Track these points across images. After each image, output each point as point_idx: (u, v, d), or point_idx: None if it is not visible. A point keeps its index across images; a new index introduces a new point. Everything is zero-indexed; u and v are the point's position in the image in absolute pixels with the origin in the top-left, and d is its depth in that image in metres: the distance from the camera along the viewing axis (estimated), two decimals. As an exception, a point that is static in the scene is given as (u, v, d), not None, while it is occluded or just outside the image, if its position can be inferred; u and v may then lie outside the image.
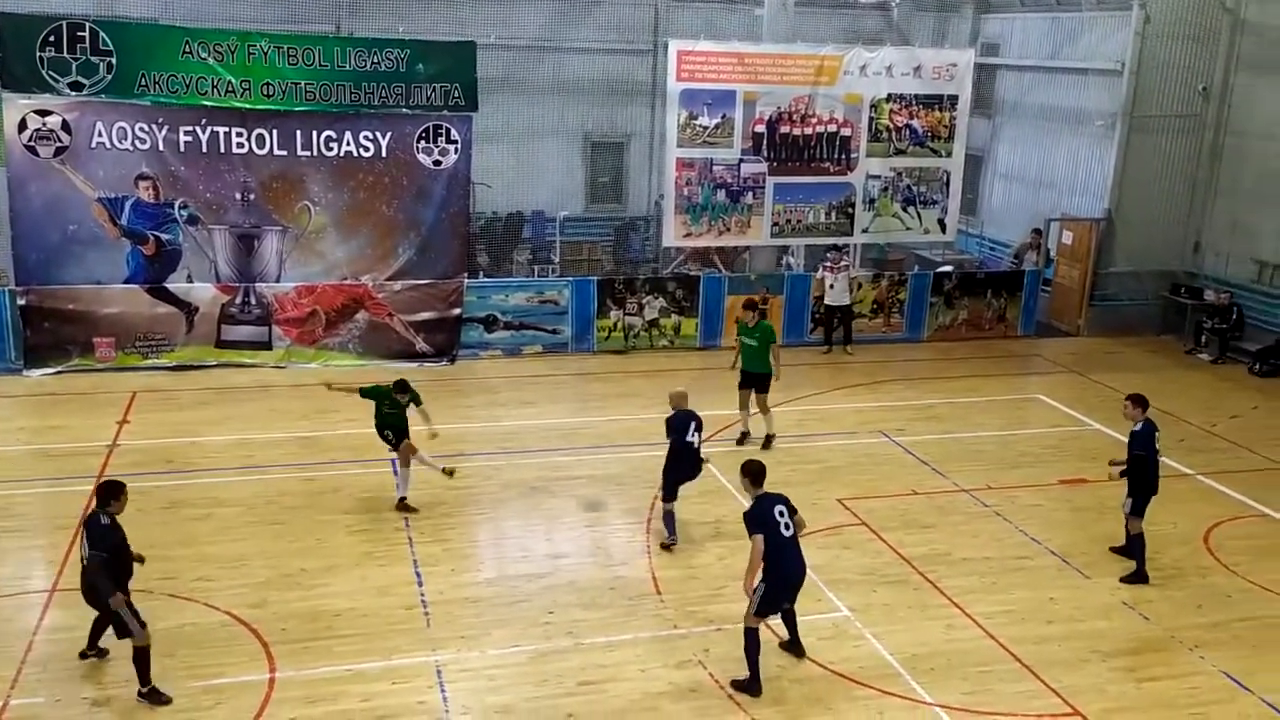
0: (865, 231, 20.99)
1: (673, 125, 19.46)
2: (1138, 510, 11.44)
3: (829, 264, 19.79)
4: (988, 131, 25.69)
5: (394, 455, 12.64)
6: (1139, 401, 11.58)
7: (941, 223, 21.49)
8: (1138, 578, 11.41)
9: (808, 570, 9.46)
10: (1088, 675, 9.71)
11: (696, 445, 11.99)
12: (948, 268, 21.99)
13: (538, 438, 15.05)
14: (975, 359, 19.59)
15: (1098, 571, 11.65)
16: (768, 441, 14.73)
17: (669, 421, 12.00)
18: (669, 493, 12.01)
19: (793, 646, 9.83)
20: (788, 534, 9.22)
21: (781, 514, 9.25)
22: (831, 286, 19.44)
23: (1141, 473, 11.34)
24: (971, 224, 25.61)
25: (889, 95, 20.35)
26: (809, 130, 20.09)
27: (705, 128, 19.48)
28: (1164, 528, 12.66)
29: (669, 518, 12.00)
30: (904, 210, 21.02)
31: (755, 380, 14.75)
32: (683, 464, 11.98)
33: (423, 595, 10.76)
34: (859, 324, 20.16)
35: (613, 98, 22.96)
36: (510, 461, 14.21)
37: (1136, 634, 10.44)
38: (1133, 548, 11.55)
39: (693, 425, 11.93)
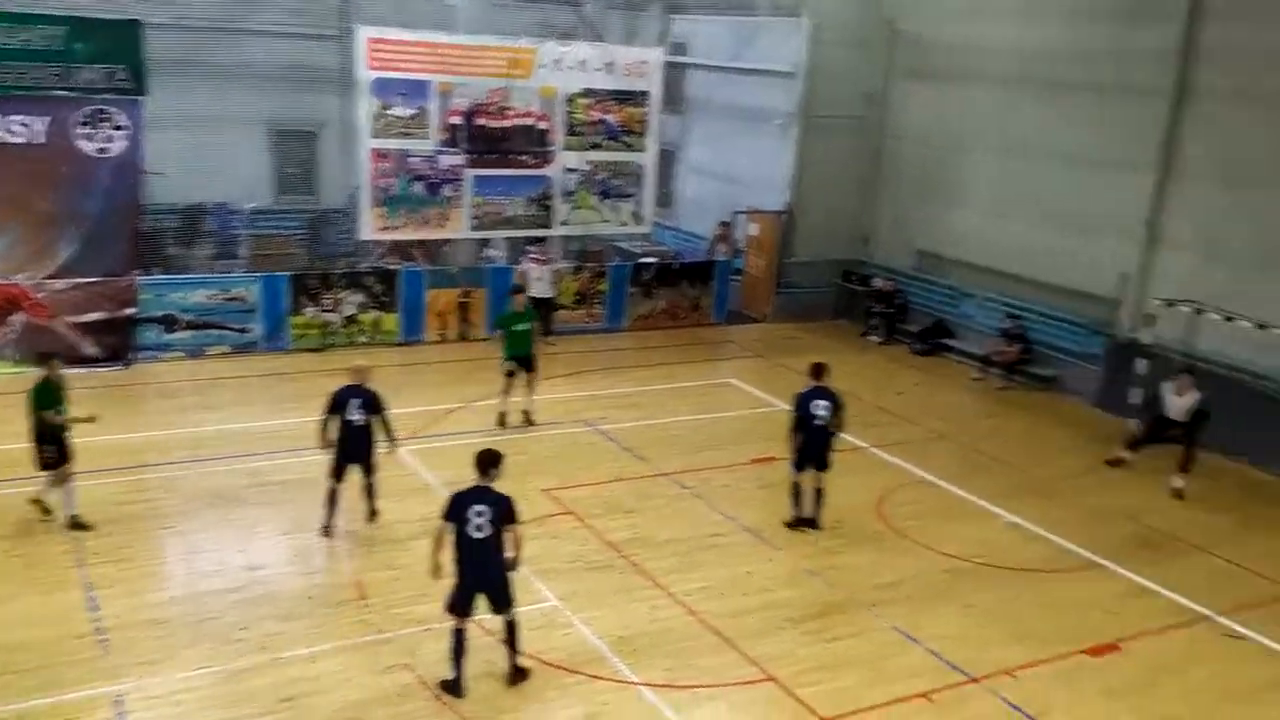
0: (564, 224, 21.26)
1: (365, 115, 18.89)
2: (793, 463, 12.64)
3: (535, 256, 19.86)
4: (679, 127, 26.69)
5: (52, 474, 11.49)
6: (811, 370, 12.80)
7: (638, 215, 22.13)
8: (798, 524, 12.65)
9: (523, 562, 9.38)
10: (780, 641, 10.30)
11: (359, 422, 11.62)
12: (650, 259, 22.67)
13: (227, 443, 14.19)
14: (672, 347, 20.34)
15: (787, 543, 12.39)
16: (528, 417, 15.51)
17: (332, 394, 11.68)
18: (331, 472, 11.71)
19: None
20: (477, 535, 8.95)
21: (480, 514, 8.97)
22: (539, 279, 19.54)
23: (794, 430, 12.48)
24: (667, 216, 26.54)
25: (584, 90, 20.70)
26: (506, 123, 20.08)
27: (400, 118, 19.05)
28: (843, 497, 13.62)
29: (329, 498, 11.69)
30: (601, 203, 21.48)
31: (526, 361, 15.40)
32: (342, 442, 11.66)
33: (98, 621, 9.87)
34: (561, 315, 20.41)
35: (300, 85, 21.94)
36: (196, 470, 13.31)
37: (822, 599, 11.19)
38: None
39: (355, 402, 11.58)
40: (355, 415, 11.63)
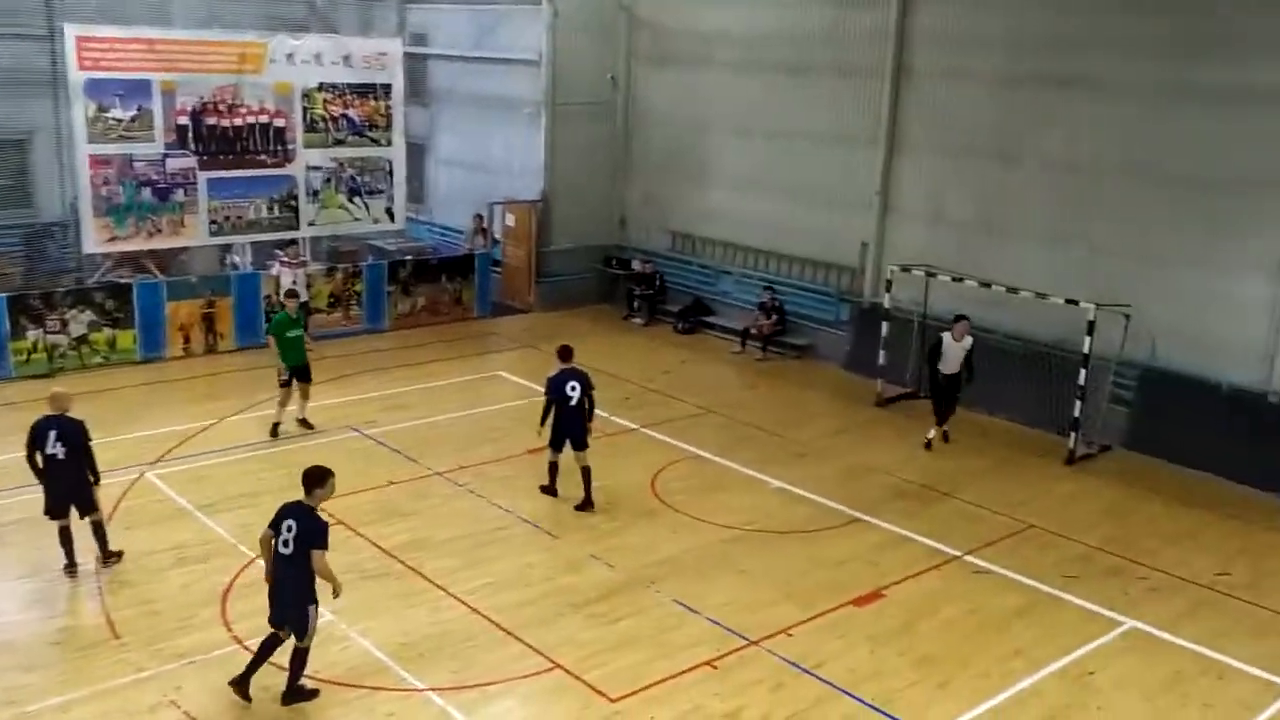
0: (312, 225, 20.48)
1: (80, 119, 17.51)
2: (550, 443, 12.97)
3: (286, 259, 18.94)
4: (426, 120, 26.21)
5: None
6: (559, 352, 13.10)
7: (390, 211, 21.60)
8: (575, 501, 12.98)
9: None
10: (565, 628, 10.32)
11: (60, 457, 10.64)
12: (408, 255, 22.14)
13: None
14: (438, 343, 19.98)
15: (565, 530, 12.42)
16: (305, 424, 15.09)
17: (32, 426, 10.74)
18: (46, 511, 10.84)
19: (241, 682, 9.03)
20: (283, 551, 8.77)
21: (289, 529, 8.77)
22: (294, 283, 18.66)
23: (547, 411, 12.83)
24: (421, 211, 26.04)
25: (321, 84, 19.97)
26: (239, 121, 19.12)
27: (120, 120, 17.78)
28: (616, 479, 13.85)
29: (61, 536, 10.83)
30: (350, 201, 20.81)
31: (301, 372, 14.82)
32: (49, 479, 10.74)
33: None
34: (319, 319, 19.64)
35: (6, 89, 20.09)
36: (-90, 519, 11.99)
37: (603, 581, 11.28)
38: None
39: (53, 434, 10.61)
40: (54, 449, 10.62)
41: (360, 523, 12.31)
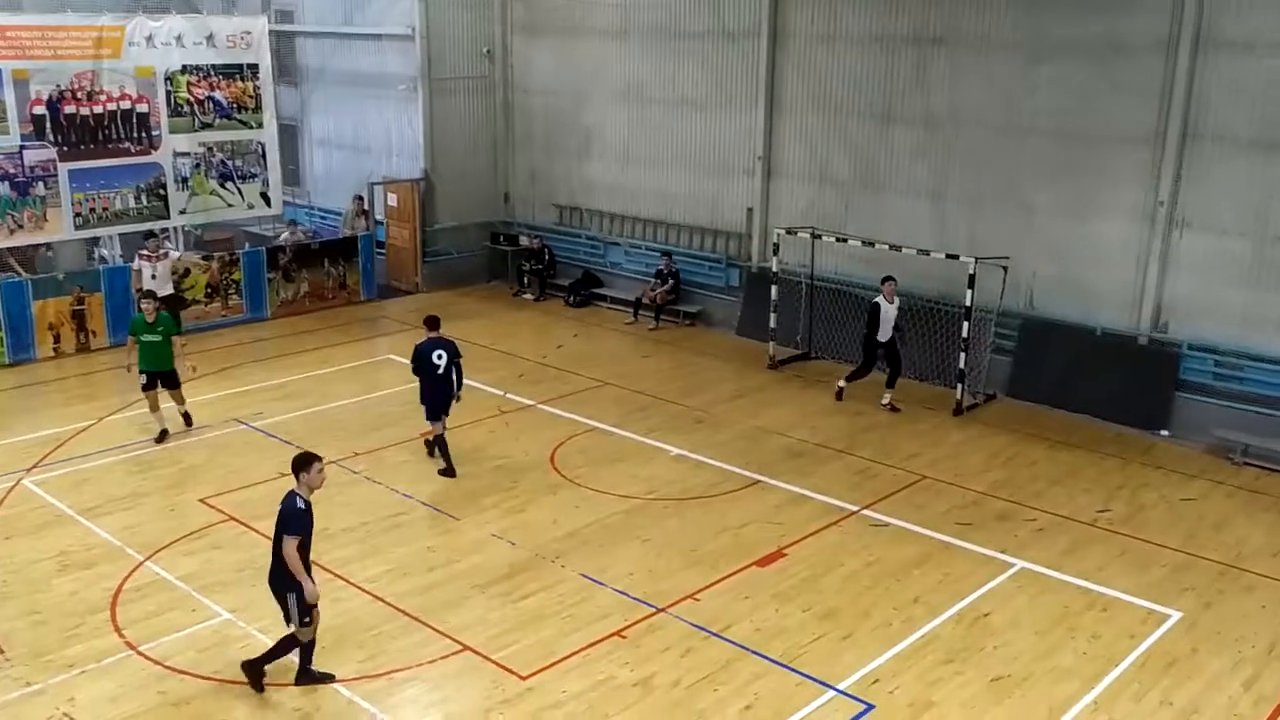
0: (184, 213, 19.77)
1: (-76, 112, 16.55)
2: (427, 416, 13.31)
3: (146, 253, 18.13)
4: (297, 100, 25.47)
5: None
6: (426, 322, 13.55)
7: (265, 196, 20.97)
8: (447, 472, 13.18)
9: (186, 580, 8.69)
10: (471, 610, 10.23)
11: None
12: (284, 237, 21.52)
13: None
14: (324, 329, 19.52)
15: (466, 511, 12.30)
16: (187, 419, 14.56)
17: None
18: None
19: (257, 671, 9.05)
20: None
21: (278, 514, 8.77)
22: (153, 277, 17.83)
23: (417, 373, 13.29)
24: (298, 194, 25.35)
25: (184, 67, 19.25)
26: (99, 109, 18.30)
27: (-31, 112, 16.84)
28: (516, 456, 13.77)
29: None
30: (223, 187, 20.14)
31: (164, 377, 14.15)
32: None
33: None
34: (195, 311, 18.99)
35: None
36: None
37: (507, 560, 11.21)
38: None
39: None
40: None
41: (253, 518, 11.96)
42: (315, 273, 20.73)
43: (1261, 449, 13.79)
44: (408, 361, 17.71)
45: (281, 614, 8.81)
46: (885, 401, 15.67)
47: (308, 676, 9.00)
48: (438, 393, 13.12)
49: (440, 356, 13.05)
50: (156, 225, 19.18)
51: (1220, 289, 14.52)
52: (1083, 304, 15.70)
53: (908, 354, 16.85)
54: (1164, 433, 14.84)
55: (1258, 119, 13.88)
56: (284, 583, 8.65)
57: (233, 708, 8.73)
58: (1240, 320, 14.40)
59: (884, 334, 15.52)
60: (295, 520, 8.57)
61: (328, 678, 9.04)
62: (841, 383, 16.04)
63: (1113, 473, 13.66)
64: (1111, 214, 15.29)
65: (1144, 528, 12.13)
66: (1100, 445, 14.51)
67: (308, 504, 8.72)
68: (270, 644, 9.05)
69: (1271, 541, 11.84)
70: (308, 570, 8.64)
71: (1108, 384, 15.27)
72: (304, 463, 8.78)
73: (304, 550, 8.66)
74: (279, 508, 8.66)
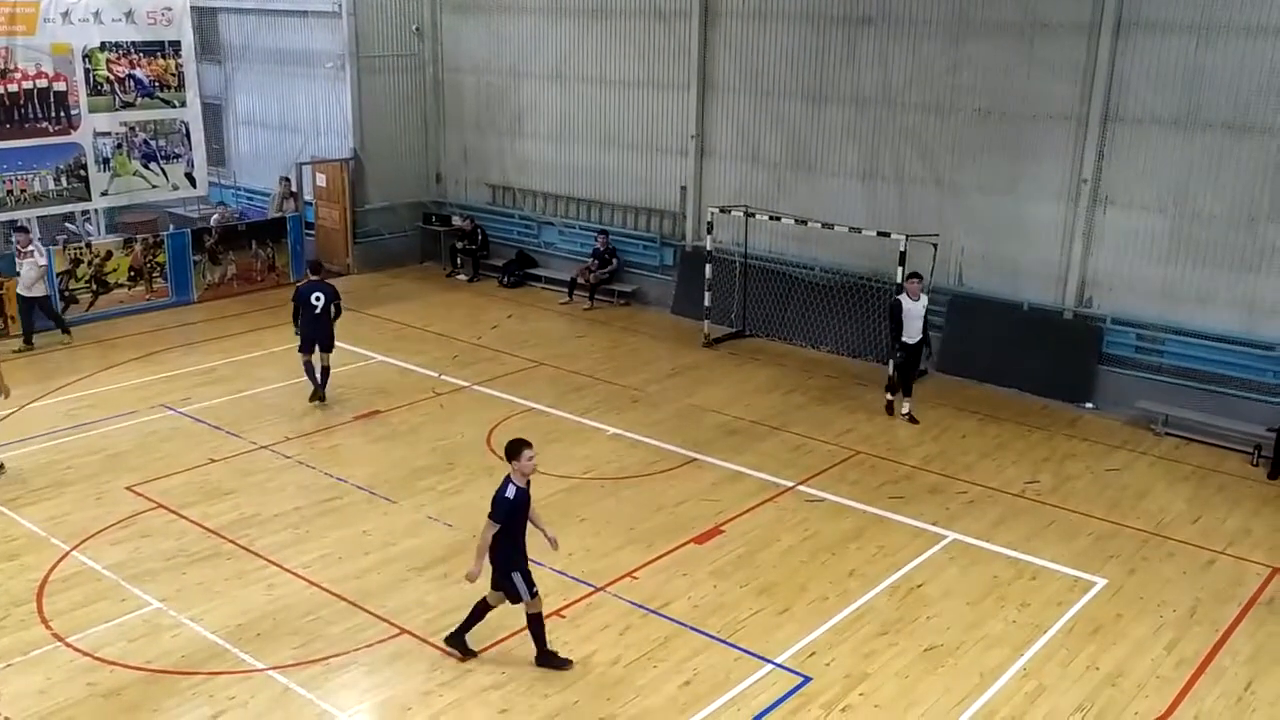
0: (106, 194, 19.25)
1: None
2: (300, 348, 14.71)
3: (17, 247, 16.85)
4: (221, 78, 24.89)
5: None
6: (309, 266, 15.10)
7: (190, 177, 20.51)
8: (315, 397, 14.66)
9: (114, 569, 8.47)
10: (408, 593, 10.16)
11: None
12: (215, 219, 21.05)
13: None
14: (253, 312, 19.17)
15: (401, 494, 12.20)
16: None
17: None
18: None
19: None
20: None
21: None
22: (18, 274, 16.64)
23: (295, 318, 14.57)
24: (223, 175, 24.79)
25: (103, 44, 18.71)
26: (14, 87, 17.73)
27: (-126, 92, 16.21)
28: (453, 439, 13.69)
29: None
30: (146, 167, 19.65)
31: None
32: None
33: None
34: (119, 294, 18.52)
35: None
36: None
37: (444, 542, 11.15)
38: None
39: None
40: None
41: (182, 505, 11.77)
42: (243, 255, 20.32)
43: (1181, 419, 14.20)
44: (341, 344, 17.55)
45: (508, 595, 8.93)
46: (905, 412, 14.63)
47: (547, 659, 9.05)
48: (313, 330, 14.57)
49: (319, 299, 14.49)
50: (81, 207, 18.64)
51: (1141, 265, 14.89)
52: (1010, 280, 15.99)
53: (844, 334, 17.09)
54: (1089, 405, 15.21)
55: (1176, 99, 14.22)
56: (508, 563, 8.79)
57: (164, 698, 8.59)
58: (1160, 295, 14.79)
59: (910, 333, 14.37)
60: (499, 506, 8.67)
61: (566, 663, 9.07)
62: (888, 396, 14.95)
63: (1040, 445, 13.97)
64: (1037, 192, 15.57)
65: (1070, 498, 12.43)
66: (1028, 418, 14.83)
67: (520, 490, 8.74)
68: (461, 622, 9.14)
69: (1191, 509, 12.22)
70: (521, 553, 8.84)
71: (1034, 358, 15.59)
72: (514, 450, 8.79)
73: (513, 535, 8.75)
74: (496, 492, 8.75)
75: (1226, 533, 11.65)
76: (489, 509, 8.69)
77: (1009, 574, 10.71)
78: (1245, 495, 12.60)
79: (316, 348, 14.65)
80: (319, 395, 14.76)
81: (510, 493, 8.70)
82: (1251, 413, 13.79)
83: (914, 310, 14.35)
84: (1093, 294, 15.40)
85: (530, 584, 8.89)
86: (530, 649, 9.13)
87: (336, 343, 14.95)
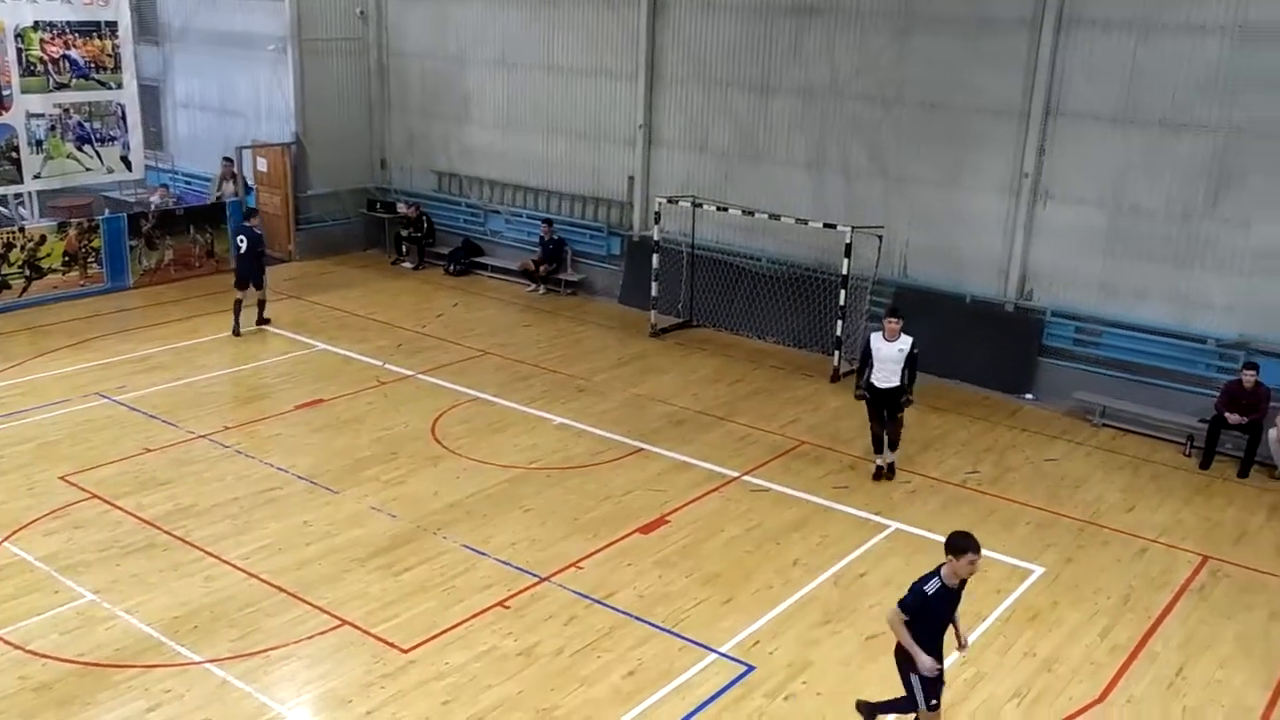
0: (38, 177, 18.75)
1: None
2: (235, 284, 16.94)
3: None
4: (160, 59, 24.38)
5: None
6: (245, 213, 17.72)
7: (126, 160, 20.05)
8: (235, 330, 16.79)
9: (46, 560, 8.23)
10: (350, 584, 10.04)
11: None
12: (155, 201, 20.58)
13: None
14: (192, 299, 18.81)
15: (344, 484, 12.05)
16: None
17: None
18: None
19: None
20: None
21: None
22: None
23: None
24: (161, 159, 24.30)
25: (36, 23, 18.20)
26: (-58, 66, 17.19)
27: None
28: (397, 429, 13.55)
29: None
30: (80, 150, 19.17)
31: None
32: None
33: None
34: (52, 280, 18.06)
35: None
36: None
37: (387, 533, 11.03)
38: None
39: None
40: None
41: (116, 495, 11.53)
42: (181, 240, 19.91)
43: (1117, 410, 14.46)
44: (281, 332, 17.44)
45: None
46: (888, 463, 12.63)
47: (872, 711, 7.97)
48: (240, 266, 16.92)
49: (242, 241, 16.78)
50: (12, 190, 18.14)
51: (1080, 258, 15.12)
52: (954, 272, 16.16)
53: (790, 325, 17.16)
54: (1029, 396, 15.44)
55: (1114, 96, 14.44)
56: (906, 664, 7.49)
57: (98, 691, 8.41)
58: (1098, 288, 15.03)
59: (880, 377, 12.17)
60: (911, 598, 7.29)
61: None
62: (876, 460, 12.71)
63: (981, 436, 14.16)
64: (980, 185, 15.75)
65: (1010, 488, 12.61)
66: (969, 409, 15.02)
67: (943, 590, 7.24)
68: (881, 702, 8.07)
69: (1126, 498, 12.46)
70: (933, 655, 7.35)
71: (977, 350, 15.79)
72: (959, 546, 7.19)
73: (922, 636, 7.31)
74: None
75: (1159, 522, 11.90)
76: (901, 600, 7.37)
77: (950, 563, 10.82)
78: (1177, 485, 12.87)
79: (251, 286, 16.83)
80: (236, 332, 16.82)
81: (931, 588, 7.22)
82: (1185, 404, 14.08)
83: (886, 352, 12.11)
84: (1033, 287, 15.62)
85: (931, 694, 7.44)
86: (481, 640, 9.07)
87: (267, 290, 17.21)
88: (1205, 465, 13.32)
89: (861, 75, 16.49)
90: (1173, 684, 9.00)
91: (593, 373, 15.93)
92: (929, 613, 7.30)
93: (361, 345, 16.66)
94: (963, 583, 7.34)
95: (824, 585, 10.32)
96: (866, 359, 12.33)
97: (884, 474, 12.62)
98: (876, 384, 12.26)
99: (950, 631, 7.56)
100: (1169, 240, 14.39)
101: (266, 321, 17.31)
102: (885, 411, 12.35)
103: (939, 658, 7.40)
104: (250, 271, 16.88)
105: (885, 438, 12.47)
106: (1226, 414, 13.13)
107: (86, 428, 13.32)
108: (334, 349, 16.51)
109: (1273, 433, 13.04)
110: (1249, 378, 13.07)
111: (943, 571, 7.25)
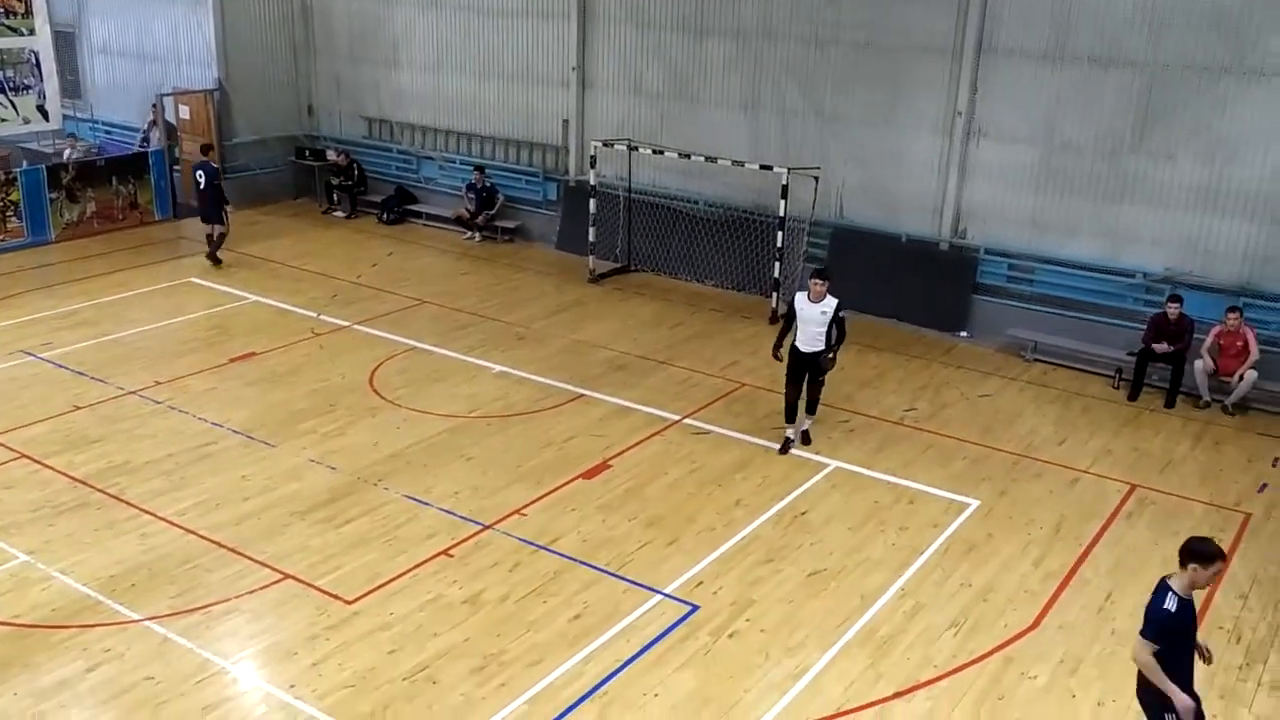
0: (-49, 127, 18.03)
1: None
2: (201, 218, 17.81)
3: None
4: (74, 4, 23.46)
5: None
6: (201, 149, 18.09)
7: (43, 109, 19.34)
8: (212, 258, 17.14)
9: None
10: (291, 538, 9.95)
11: None
12: (67, 153, 19.91)
13: None
14: (116, 252, 18.32)
15: (281, 438, 11.90)
16: None
17: None
18: None
19: None
20: None
21: None
22: None
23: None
24: (79, 107, 23.49)
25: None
26: None
27: None
28: (334, 381, 13.39)
29: None
30: (-7, 99, 18.45)
31: None
32: None
33: None
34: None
35: None
36: None
37: (327, 485, 10.93)
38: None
39: None
40: None
41: (46, 454, 11.27)
42: (103, 192, 19.33)
43: (1049, 345, 14.74)
44: (211, 284, 17.11)
45: None
46: (803, 429, 12.04)
47: None
48: (199, 203, 17.54)
49: (200, 176, 17.29)
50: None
51: (1012, 195, 15.29)
52: (889, 212, 16.26)
53: (728, 268, 17.17)
54: (963, 334, 15.67)
55: (1045, 33, 14.53)
56: (1150, 695, 6.60)
57: (35, 652, 8.27)
58: (1030, 225, 15.23)
59: (803, 340, 11.54)
60: (1153, 622, 6.46)
61: None
62: (787, 431, 12.00)
63: (918, 373, 14.36)
64: (914, 124, 15.80)
65: (946, 424, 12.83)
66: (906, 348, 15.21)
67: (1182, 603, 6.42)
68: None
69: (1058, 431, 12.74)
70: (1186, 687, 6.49)
71: (912, 289, 15.95)
72: (1200, 555, 6.41)
73: (1170, 662, 6.45)
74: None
75: (1090, 452, 12.20)
76: (1143, 626, 6.55)
77: (889, 499, 11.02)
78: (1107, 417, 13.19)
79: (199, 219, 17.59)
80: (211, 258, 17.58)
81: (1171, 604, 6.41)
82: (1114, 338, 14.38)
83: (809, 314, 11.44)
84: (967, 225, 15.78)
85: None
86: (425, 589, 9.05)
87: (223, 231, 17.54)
88: (1133, 397, 13.66)
89: (795, 16, 16.38)
90: (1102, 609, 9.28)
91: (531, 320, 15.84)
92: (1176, 633, 6.46)
93: (295, 296, 16.37)
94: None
95: (766, 525, 10.45)
96: (790, 319, 11.67)
97: (792, 445, 11.84)
98: (800, 347, 11.58)
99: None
100: (1098, 176, 14.59)
101: (218, 262, 17.56)
102: (806, 376, 11.75)
103: (1191, 691, 6.50)
104: (205, 207, 17.39)
105: (800, 405, 11.89)
106: (1154, 345, 13.45)
107: (12, 386, 12.97)
108: (266, 300, 16.21)
109: (1198, 364, 13.40)
110: (1173, 310, 13.39)
111: (1177, 585, 6.45)
